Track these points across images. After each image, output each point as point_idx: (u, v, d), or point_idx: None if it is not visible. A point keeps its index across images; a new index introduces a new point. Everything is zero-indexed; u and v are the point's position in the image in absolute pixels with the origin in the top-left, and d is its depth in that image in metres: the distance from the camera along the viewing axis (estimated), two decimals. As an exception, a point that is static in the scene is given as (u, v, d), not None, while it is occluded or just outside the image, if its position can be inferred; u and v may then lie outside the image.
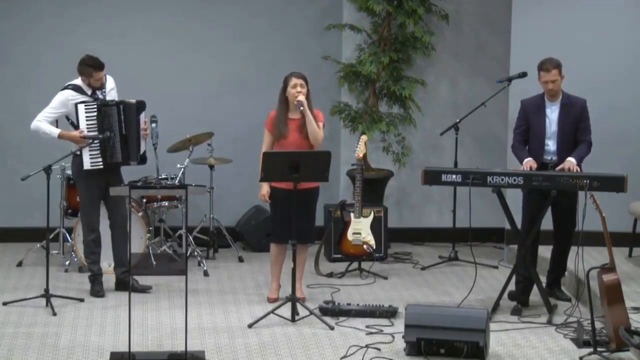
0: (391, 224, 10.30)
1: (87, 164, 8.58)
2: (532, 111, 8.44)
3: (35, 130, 8.62)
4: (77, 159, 8.63)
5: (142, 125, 8.73)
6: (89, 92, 8.65)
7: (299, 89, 8.34)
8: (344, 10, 10.61)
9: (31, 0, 10.46)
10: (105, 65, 8.61)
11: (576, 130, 8.38)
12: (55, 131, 8.62)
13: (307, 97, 8.39)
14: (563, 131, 8.36)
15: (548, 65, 8.30)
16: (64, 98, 8.64)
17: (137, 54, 10.49)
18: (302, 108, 8.29)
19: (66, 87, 8.68)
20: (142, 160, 8.81)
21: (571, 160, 8.23)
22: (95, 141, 8.53)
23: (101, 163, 8.60)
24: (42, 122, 8.59)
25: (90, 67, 8.60)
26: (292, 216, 8.14)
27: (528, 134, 8.49)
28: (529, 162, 8.28)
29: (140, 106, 8.72)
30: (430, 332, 7.21)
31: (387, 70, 10.34)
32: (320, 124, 8.42)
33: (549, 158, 8.41)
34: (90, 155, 8.58)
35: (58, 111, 8.65)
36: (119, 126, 8.62)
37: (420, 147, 10.84)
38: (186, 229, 9.57)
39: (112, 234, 8.81)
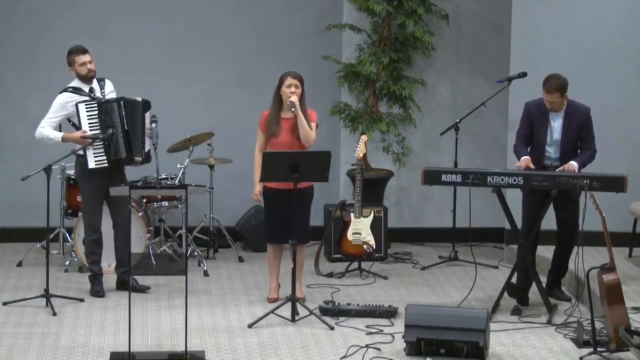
0: (391, 224, 10.29)
1: (91, 163, 8.56)
2: (535, 116, 8.37)
3: (39, 138, 8.61)
4: (81, 158, 8.61)
5: (146, 125, 8.73)
6: (87, 89, 8.65)
7: (293, 89, 8.31)
8: (344, 10, 10.60)
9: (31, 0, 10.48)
10: (88, 51, 8.62)
11: (579, 139, 8.34)
12: (59, 135, 8.61)
13: (301, 98, 8.35)
14: (565, 140, 8.31)
15: (550, 86, 8.19)
16: (62, 101, 8.63)
17: (138, 54, 10.48)
18: (293, 109, 8.27)
19: (64, 90, 8.67)
20: (147, 158, 8.80)
21: (572, 163, 8.21)
22: (97, 141, 8.52)
23: (106, 161, 8.59)
24: (46, 128, 8.57)
25: (72, 53, 8.64)
26: (291, 216, 8.14)
27: (531, 138, 8.45)
28: (525, 160, 8.26)
29: (146, 105, 8.73)
30: (430, 332, 7.21)
31: (387, 70, 10.33)
32: (313, 124, 8.39)
33: (549, 163, 8.39)
34: (95, 154, 8.56)
35: (59, 115, 8.63)
36: (121, 122, 8.61)
37: (420, 147, 10.84)
38: (186, 229, 9.57)
39: (115, 233, 8.81)
